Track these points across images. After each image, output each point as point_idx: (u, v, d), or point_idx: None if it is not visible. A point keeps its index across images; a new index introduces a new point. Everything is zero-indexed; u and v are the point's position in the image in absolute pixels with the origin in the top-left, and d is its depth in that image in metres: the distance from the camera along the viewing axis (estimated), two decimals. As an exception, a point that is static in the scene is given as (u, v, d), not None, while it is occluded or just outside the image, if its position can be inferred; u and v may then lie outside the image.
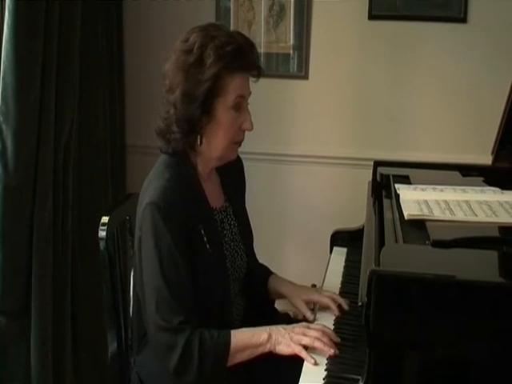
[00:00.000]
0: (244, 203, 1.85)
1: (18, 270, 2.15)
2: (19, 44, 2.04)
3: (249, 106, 1.64)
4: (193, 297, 1.53)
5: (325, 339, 1.47)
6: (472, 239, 1.37)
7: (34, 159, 2.16)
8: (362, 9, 2.73)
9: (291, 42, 2.83)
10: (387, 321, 1.21)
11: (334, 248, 2.19)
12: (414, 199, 1.67)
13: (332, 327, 1.59)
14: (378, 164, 2.15)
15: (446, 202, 1.65)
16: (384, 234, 1.56)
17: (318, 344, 1.46)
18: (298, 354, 1.47)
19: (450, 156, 2.61)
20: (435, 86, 2.75)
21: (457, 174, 2.07)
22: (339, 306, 1.68)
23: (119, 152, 2.91)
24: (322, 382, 1.38)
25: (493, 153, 2.14)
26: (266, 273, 1.86)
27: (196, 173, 1.65)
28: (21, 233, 2.15)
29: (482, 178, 2.00)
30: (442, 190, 1.79)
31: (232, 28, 2.73)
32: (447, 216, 1.53)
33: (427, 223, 1.48)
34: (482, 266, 1.32)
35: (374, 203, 1.95)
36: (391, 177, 1.99)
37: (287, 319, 1.86)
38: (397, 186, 1.83)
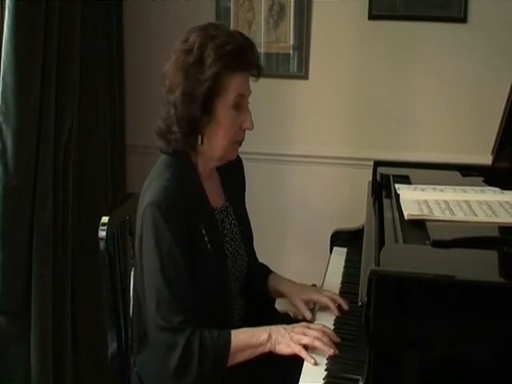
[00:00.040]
0: (244, 203, 1.85)
1: (17, 270, 2.15)
2: (19, 44, 2.04)
3: (249, 106, 1.64)
4: (193, 296, 1.53)
5: (325, 339, 1.47)
6: (472, 239, 1.37)
7: (34, 159, 2.16)
8: (362, 9, 2.73)
9: (291, 42, 2.84)
10: (387, 321, 1.21)
11: (334, 248, 2.19)
12: (414, 199, 1.67)
13: (332, 327, 1.59)
14: (378, 164, 2.15)
15: (445, 202, 1.65)
16: (384, 233, 1.56)
17: (317, 344, 1.46)
18: (298, 353, 1.47)
19: (450, 156, 2.61)
20: (435, 86, 2.75)
21: (457, 173, 2.07)
22: (339, 306, 1.68)
23: (119, 152, 2.91)
24: (322, 382, 1.38)
25: (493, 153, 2.14)
26: (265, 271, 1.86)
27: (196, 173, 1.65)
28: (21, 233, 2.15)
29: (482, 178, 2.00)
30: (442, 190, 1.79)
31: (232, 28, 2.73)
32: (447, 216, 1.53)
33: (427, 223, 1.48)
34: (482, 266, 1.32)
35: (374, 203, 1.95)
36: (391, 177, 1.99)
37: (287, 319, 1.86)
38: (397, 186, 1.83)
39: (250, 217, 1.84)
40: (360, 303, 1.31)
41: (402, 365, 1.23)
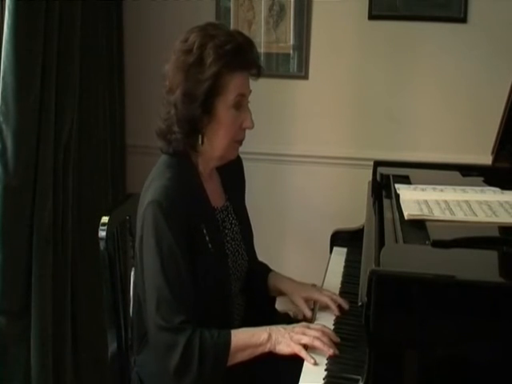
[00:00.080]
0: (244, 202, 1.85)
1: (17, 270, 2.15)
2: (19, 44, 2.04)
3: (249, 106, 1.64)
4: (193, 296, 1.53)
5: (324, 339, 1.47)
6: (472, 239, 1.37)
7: (34, 159, 2.16)
8: (362, 9, 2.73)
9: (291, 42, 2.83)
10: (387, 321, 1.21)
11: (334, 248, 2.19)
12: (414, 199, 1.67)
13: (332, 327, 1.59)
14: (378, 164, 2.15)
15: (446, 202, 1.65)
16: (384, 234, 1.56)
17: (317, 343, 1.46)
18: (298, 353, 1.47)
19: (450, 156, 2.61)
20: (435, 86, 2.75)
21: (457, 173, 2.07)
22: (339, 306, 1.68)
23: (119, 152, 2.91)
24: (322, 382, 1.38)
25: (493, 153, 2.14)
26: (265, 270, 1.86)
27: (197, 172, 1.66)
28: (21, 233, 2.15)
29: (482, 178, 2.00)
30: (442, 190, 1.79)
31: (232, 28, 2.73)
32: (447, 216, 1.53)
33: (427, 223, 1.48)
34: (482, 266, 1.32)
35: (374, 203, 1.95)
36: (391, 177, 1.99)
37: (287, 319, 1.86)
38: (397, 186, 1.83)
39: (250, 217, 1.84)
40: (360, 303, 1.31)
41: (402, 365, 1.23)
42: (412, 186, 1.83)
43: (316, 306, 1.74)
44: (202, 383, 1.51)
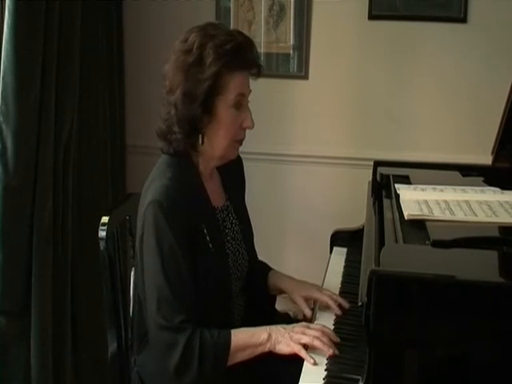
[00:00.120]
0: (244, 202, 1.85)
1: (17, 270, 2.15)
2: (19, 44, 2.04)
3: (249, 106, 1.64)
4: (194, 296, 1.53)
5: (324, 339, 1.47)
6: (472, 239, 1.37)
7: (34, 159, 2.16)
8: (362, 9, 2.73)
9: (291, 41, 2.83)
10: (387, 321, 1.21)
11: (334, 248, 2.19)
12: (414, 199, 1.67)
13: (332, 327, 1.59)
14: (378, 164, 2.15)
15: (446, 202, 1.65)
16: (384, 234, 1.56)
17: (317, 343, 1.46)
18: (298, 353, 1.47)
19: (450, 156, 2.61)
20: (435, 85, 2.75)
21: (457, 173, 2.07)
22: (339, 306, 1.68)
23: (119, 152, 2.91)
24: (322, 382, 1.38)
25: (493, 153, 2.14)
26: (265, 269, 1.86)
27: (198, 172, 1.66)
28: (21, 233, 2.15)
29: (482, 178, 2.00)
30: (442, 190, 1.79)
31: (232, 28, 2.73)
32: (447, 216, 1.53)
33: (427, 223, 1.48)
34: (482, 266, 1.32)
35: (374, 203, 1.95)
36: (391, 177, 1.99)
37: (287, 319, 1.86)
38: (397, 186, 1.83)
39: (250, 217, 1.84)
40: (360, 303, 1.31)
41: (402, 365, 1.23)
42: (412, 186, 1.83)
43: (316, 306, 1.74)
44: (202, 383, 1.51)
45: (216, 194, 1.71)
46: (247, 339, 1.51)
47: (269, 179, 2.92)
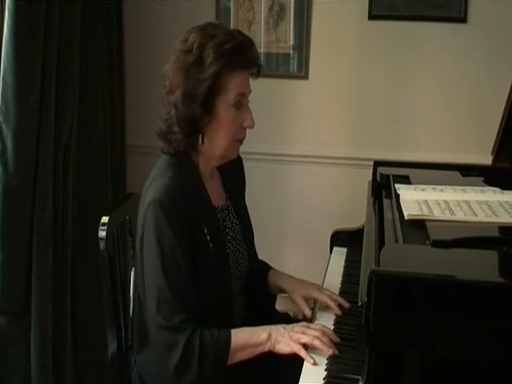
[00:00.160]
0: (244, 201, 1.85)
1: (17, 270, 2.15)
2: (19, 44, 2.04)
3: (249, 105, 1.64)
4: (194, 296, 1.53)
5: (324, 339, 1.47)
6: (472, 239, 1.37)
7: (34, 159, 2.16)
8: (362, 9, 2.73)
9: (291, 41, 2.84)
10: (387, 321, 1.21)
11: (334, 248, 2.19)
12: (414, 199, 1.67)
13: (332, 327, 1.59)
14: (378, 164, 2.15)
15: (446, 202, 1.65)
16: (384, 234, 1.56)
17: (317, 343, 1.46)
18: (298, 352, 1.47)
19: (450, 156, 2.61)
20: (435, 85, 2.75)
21: (457, 173, 2.07)
22: (339, 305, 1.68)
23: (119, 152, 2.91)
24: (322, 382, 1.38)
25: (493, 153, 2.14)
26: (265, 268, 1.86)
27: (198, 172, 1.66)
28: (21, 233, 2.15)
29: (482, 178, 2.00)
30: (442, 190, 1.79)
31: (232, 28, 2.73)
32: (447, 216, 1.53)
33: (427, 223, 1.47)
34: (482, 266, 1.32)
35: (374, 203, 1.95)
36: (391, 177, 1.99)
37: (287, 319, 1.86)
38: (397, 186, 1.83)
39: (250, 216, 1.84)
40: (360, 303, 1.31)
41: (402, 365, 1.23)
42: (412, 186, 1.83)
43: (316, 306, 1.74)
44: (202, 382, 1.51)
45: (216, 193, 1.71)
46: (247, 339, 1.51)
47: (269, 179, 2.92)
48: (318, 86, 2.84)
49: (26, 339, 2.18)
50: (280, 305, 1.91)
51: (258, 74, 1.64)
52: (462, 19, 2.67)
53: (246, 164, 1.87)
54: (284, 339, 1.49)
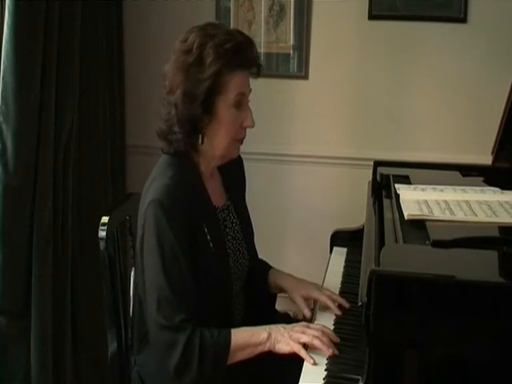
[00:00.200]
0: (245, 201, 1.85)
1: (17, 270, 2.15)
2: (19, 44, 2.04)
3: (249, 105, 1.64)
4: (194, 295, 1.53)
5: (324, 339, 1.47)
6: (472, 239, 1.37)
7: (34, 159, 2.16)
8: (362, 9, 2.73)
9: (291, 42, 2.84)
10: (387, 321, 1.21)
11: (334, 248, 2.19)
12: (414, 199, 1.67)
13: (332, 327, 1.59)
14: (378, 164, 2.15)
15: (446, 202, 1.65)
16: (384, 234, 1.56)
17: (316, 342, 1.46)
18: (297, 352, 1.47)
19: (450, 156, 2.61)
20: (435, 86, 2.75)
21: (457, 173, 2.07)
22: (339, 306, 1.68)
23: (119, 152, 2.91)
24: (322, 382, 1.38)
25: (493, 153, 2.14)
26: (265, 267, 1.86)
27: (198, 172, 1.66)
28: (21, 233, 2.15)
29: (482, 178, 2.00)
30: (442, 190, 1.79)
31: (232, 28, 2.73)
32: (447, 216, 1.53)
33: (427, 223, 1.48)
34: (482, 266, 1.32)
35: (374, 203, 1.95)
36: (391, 177, 1.99)
37: (287, 319, 1.86)
38: (397, 186, 1.83)
39: (250, 216, 1.84)
40: (360, 303, 1.31)
41: (402, 365, 1.23)
42: (412, 186, 1.83)
43: (316, 306, 1.74)
44: (202, 382, 1.51)
45: (217, 193, 1.71)
46: (247, 338, 1.51)
47: (269, 179, 2.92)
48: (318, 86, 2.84)
49: (26, 339, 2.18)
50: (280, 305, 1.91)
51: (258, 74, 1.64)
52: (462, 19, 2.67)
53: (246, 164, 1.87)
54: (284, 339, 1.49)
